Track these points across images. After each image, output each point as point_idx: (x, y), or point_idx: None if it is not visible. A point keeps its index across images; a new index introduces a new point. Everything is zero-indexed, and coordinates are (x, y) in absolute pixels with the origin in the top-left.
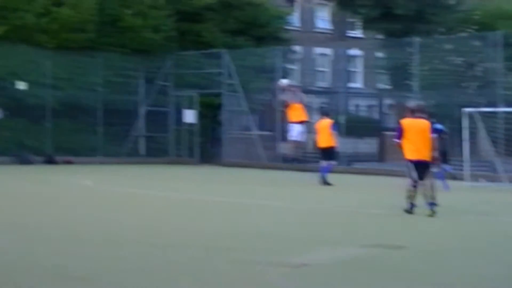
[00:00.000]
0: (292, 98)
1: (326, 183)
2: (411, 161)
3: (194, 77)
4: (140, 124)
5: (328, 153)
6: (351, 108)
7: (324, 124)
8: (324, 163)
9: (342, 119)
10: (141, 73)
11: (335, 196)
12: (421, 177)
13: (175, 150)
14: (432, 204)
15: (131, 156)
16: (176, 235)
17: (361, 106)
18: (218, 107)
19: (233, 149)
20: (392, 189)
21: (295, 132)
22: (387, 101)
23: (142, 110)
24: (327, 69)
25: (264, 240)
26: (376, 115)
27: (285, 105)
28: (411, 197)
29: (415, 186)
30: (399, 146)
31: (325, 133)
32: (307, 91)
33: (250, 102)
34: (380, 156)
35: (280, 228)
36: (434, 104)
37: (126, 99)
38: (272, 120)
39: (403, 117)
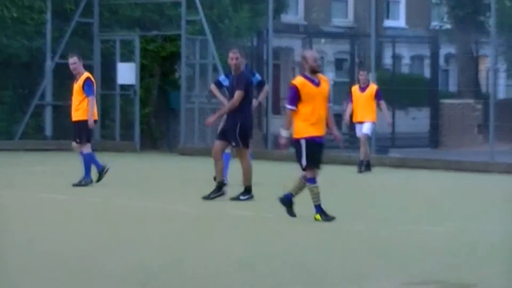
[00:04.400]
0: None
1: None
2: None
3: (133, 10)
4: (46, 86)
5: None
6: (387, 61)
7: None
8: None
9: (372, 78)
10: (48, 3)
11: None
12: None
13: (101, 129)
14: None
15: (29, 138)
16: None
17: (403, 58)
18: (172, 59)
19: (196, 128)
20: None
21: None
22: (447, 50)
23: (49, 64)
24: None
25: None
26: (428, 73)
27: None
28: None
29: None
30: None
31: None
32: (316, 34)
33: (226, 51)
34: (434, 138)
35: None
36: None
37: (22, 45)
38: None
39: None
